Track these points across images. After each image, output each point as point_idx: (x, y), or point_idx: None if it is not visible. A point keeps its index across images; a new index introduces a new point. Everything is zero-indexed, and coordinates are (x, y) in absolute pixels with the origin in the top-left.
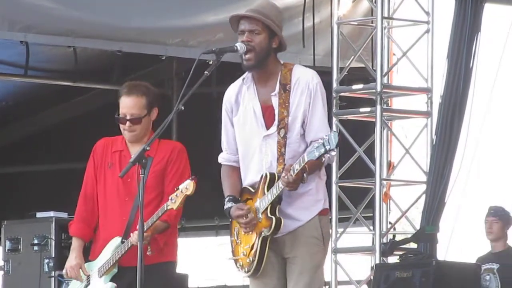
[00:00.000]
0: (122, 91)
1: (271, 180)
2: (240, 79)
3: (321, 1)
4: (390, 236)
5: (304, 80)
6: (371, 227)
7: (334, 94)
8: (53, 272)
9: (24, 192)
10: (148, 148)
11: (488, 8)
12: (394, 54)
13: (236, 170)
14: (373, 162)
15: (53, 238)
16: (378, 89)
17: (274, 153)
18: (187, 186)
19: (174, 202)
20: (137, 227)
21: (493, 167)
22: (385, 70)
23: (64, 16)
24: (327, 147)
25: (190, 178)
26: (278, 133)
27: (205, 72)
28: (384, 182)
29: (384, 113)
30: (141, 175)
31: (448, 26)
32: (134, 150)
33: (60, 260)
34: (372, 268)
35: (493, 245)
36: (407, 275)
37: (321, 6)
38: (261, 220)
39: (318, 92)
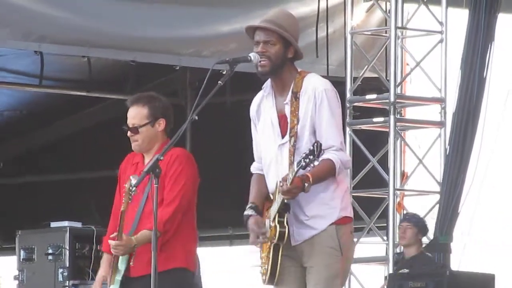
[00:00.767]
0: (127, 102)
1: None
2: (262, 89)
3: (334, 11)
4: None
5: (311, 88)
6: (385, 237)
7: (347, 104)
8: (67, 281)
9: (39, 201)
10: (161, 158)
11: (501, 17)
12: (407, 64)
13: (263, 178)
14: (387, 172)
15: (67, 247)
16: (392, 99)
17: (287, 161)
18: (125, 185)
19: (123, 203)
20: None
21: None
22: (399, 80)
23: (78, 26)
24: (310, 157)
25: (131, 177)
26: (289, 141)
27: (219, 81)
28: (398, 192)
29: (398, 123)
30: (154, 185)
31: (462, 36)
32: (148, 161)
33: (74, 270)
34: (385, 278)
35: (405, 250)
36: (421, 285)
37: (335, 16)
38: (271, 227)
39: (325, 100)
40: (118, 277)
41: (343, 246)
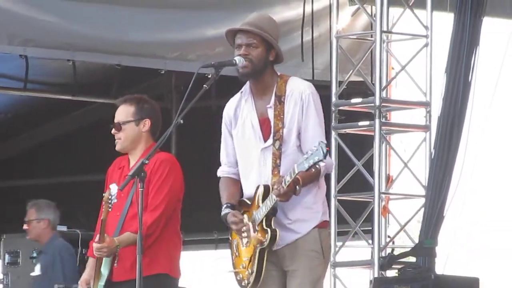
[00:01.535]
0: (116, 102)
1: (266, 192)
2: (239, 92)
3: (320, 15)
4: (389, 250)
5: (297, 91)
6: (370, 241)
7: (333, 108)
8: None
9: (23, 205)
10: (146, 161)
11: (486, 21)
12: (393, 68)
13: (235, 182)
14: (372, 176)
15: None
16: (377, 103)
17: (270, 165)
18: (104, 194)
19: (103, 212)
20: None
21: (491, 181)
22: (384, 84)
23: (63, 30)
24: (316, 158)
25: (111, 185)
26: (273, 145)
27: (204, 85)
28: (383, 195)
29: (383, 127)
30: (140, 189)
31: (447, 40)
32: (133, 164)
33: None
34: (370, 282)
35: None
36: None
37: (320, 20)
38: (257, 232)
39: (311, 103)
40: (101, 282)
41: (324, 250)
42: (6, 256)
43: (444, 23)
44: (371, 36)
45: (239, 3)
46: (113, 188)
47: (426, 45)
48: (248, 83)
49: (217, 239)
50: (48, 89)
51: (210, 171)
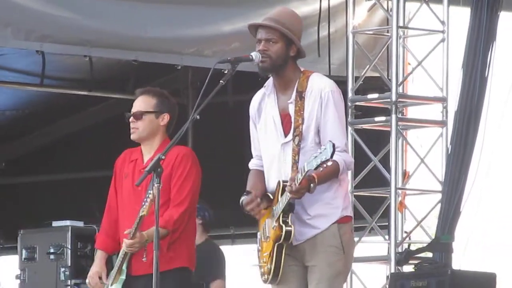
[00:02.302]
0: (136, 93)
1: (284, 187)
2: (263, 87)
3: (336, 11)
4: (406, 245)
5: (317, 88)
6: (387, 236)
7: (349, 104)
8: (69, 281)
9: (40, 201)
10: (163, 157)
11: (503, 16)
12: (409, 64)
13: (262, 173)
14: (389, 171)
15: (69, 247)
16: (393, 98)
17: (290, 161)
18: (150, 191)
19: (144, 208)
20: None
21: (508, 176)
22: (400, 79)
23: (79, 26)
24: (323, 157)
25: (156, 183)
26: (293, 140)
27: (220, 81)
28: (400, 191)
29: (399, 123)
30: (156, 184)
31: (464, 35)
32: (148, 159)
33: (76, 269)
34: (387, 277)
35: None
36: (422, 284)
37: (337, 15)
38: (275, 227)
39: (331, 100)
40: (123, 276)
41: (345, 245)
42: (23, 251)
43: (460, 18)
44: (388, 32)
45: None
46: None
47: (442, 40)
48: (271, 78)
49: (234, 234)
50: (65, 84)
51: (226, 166)
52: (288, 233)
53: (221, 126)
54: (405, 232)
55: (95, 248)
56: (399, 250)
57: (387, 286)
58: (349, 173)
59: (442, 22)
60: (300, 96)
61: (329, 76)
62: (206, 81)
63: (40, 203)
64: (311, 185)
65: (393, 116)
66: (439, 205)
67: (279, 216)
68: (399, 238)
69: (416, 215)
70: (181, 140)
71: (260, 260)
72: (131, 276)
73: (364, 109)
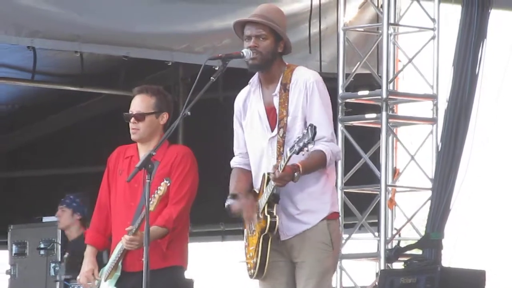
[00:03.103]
0: (134, 91)
1: (269, 178)
2: (248, 84)
3: (327, 8)
4: (395, 242)
5: (302, 80)
6: (376, 233)
7: (339, 100)
8: (58, 276)
9: (31, 196)
10: (154, 153)
11: (494, 14)
12: (399, 61)
13: (245, 172)
14: (379, 168)
15: (59, 242)
16: (384, 95)
17: (275, 153)
18: (160, 188)
19: (152, 204)
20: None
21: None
22: (391, 76)
23: (70, 21)
24: (305, 140)
25: (165, 180)
26: (278, 133)
27: (211, 78)
28: (390, 188)
29: (390, 120)
30: (147, 180)
31: (454, 33)
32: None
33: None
34: (377, 274)
35: (67, 233)
36: (412, 281)
37: (327, 12)
38: (260, 220)
39: (316, 91)
40: (118, 273)
41: (334, 241)
42: (13, 246)
43: (451, 15)
44: (378, 29)
45: None
46: (167, 182)
47: (433, 37)
48: (256, 74)
49: (224, 230)
50: (56, 80)
51: (217, 163)
52: (273, 223)
53: (212, 122)
54: (395, 229)
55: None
56: (389, 247)
57: (377, 283)
58: (339, 169)
59: (433, 20)
60: (285, 88)
61: (320, 73)
62: (197, 77)
63: (31, 198)
64: (295, 173)
65: (384, 113)
66: (429, 202)
67: (263, 208)
68: (389, 235)
69: (406, 212)
70: (172, 136)
71: (246, 256)
72: (125, 272)
73: (355, 106)
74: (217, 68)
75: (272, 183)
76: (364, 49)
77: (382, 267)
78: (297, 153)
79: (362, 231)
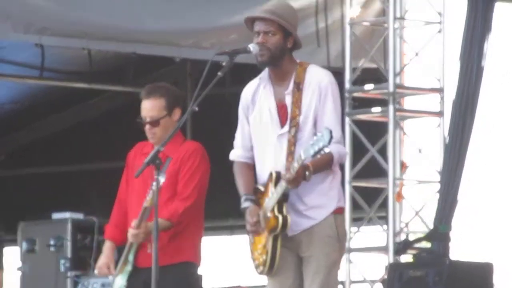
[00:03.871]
0: (141, 94)
1: (278, 178)
2: (257, 78)
3: (333, 2)
4: (404, 236)
5: (315, 80)
6: (385, 227)
7: (346, 95)
8: (69, 272)
9: (40, 193)
10: (161, 149)
11: (498, 6)
12: (405, 55)
13: (249, 167)
14: (386, 162)
15: (69, 238)
16: (391, 89)
17: (285, 151)
18: (154, 183)
19: (148, 200)
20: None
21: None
22: (397, 70)
23: (78, 18)
24: (321, 144)
25: (160, 177)
26: (289, 131)
27: (219, 73)
28: (397, 181)
29: (397, 113)
30: (155, 176)
31: (460, 26)
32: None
33: (76, 261)
34: (386, 267)
35: None
36: (421, 274)
37: (334, 7)
38: (269, 218)
39: (329, 92)
40: (129, 268)
41: (340, 235)
42: (24, 243)
43: (457, 9)
44: (385, 23)
45: None
46: (162, 179)
47: (439, 31)
48: (266, 69)
49: (232, 225)
50: (64, 77)
51: (225, 158)
52: (285, 223)
53: (219, 118)
54: (403, 222)
55: (104, 239)
56: (398, 240)
57: (386, 276)
58: (347, 163)
59: (439, 13)
60: (298, 87)
61: (328, 67)
62: (204, 73)
63: (40, 195)
64: (307, 173)
65: (391, 106)
66: (437, 195)
67: (273, 207)
68: (397, 228)
69: (414, 205)
70: (180, 131)
71: (254, 253)
72: (137, 268)
73: (362, 100)
74: (224, 64)
75: (283, 183)
76: (371, 43)
77: (391, 260)
78: (313, 157)
79: (371, 224)
